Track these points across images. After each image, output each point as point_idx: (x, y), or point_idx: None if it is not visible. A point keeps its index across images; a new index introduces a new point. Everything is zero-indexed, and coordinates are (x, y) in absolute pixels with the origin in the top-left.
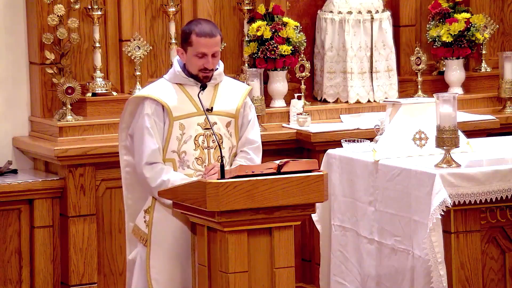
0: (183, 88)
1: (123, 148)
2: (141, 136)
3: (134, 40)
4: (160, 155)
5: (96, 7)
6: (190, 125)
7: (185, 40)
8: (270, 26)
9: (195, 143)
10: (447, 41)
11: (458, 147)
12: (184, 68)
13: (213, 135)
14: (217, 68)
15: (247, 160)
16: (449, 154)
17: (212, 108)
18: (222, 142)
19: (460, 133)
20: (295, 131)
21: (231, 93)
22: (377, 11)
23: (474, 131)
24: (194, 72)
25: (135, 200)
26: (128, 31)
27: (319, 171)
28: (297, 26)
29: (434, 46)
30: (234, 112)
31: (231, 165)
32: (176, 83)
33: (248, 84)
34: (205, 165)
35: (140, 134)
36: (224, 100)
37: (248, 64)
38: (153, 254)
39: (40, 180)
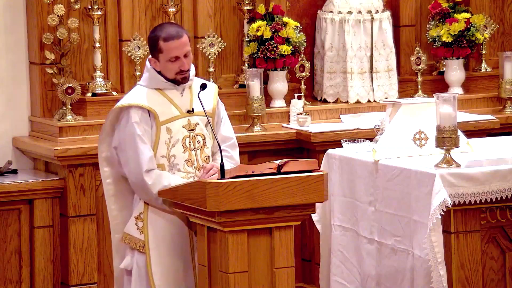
0: (162, 93)
1: (104, 159)
2: (135, 145)
3: (134, 40)
4: (155, 161)
5: (96, 7)
6: (176, 128)
7: (154, 48)
8: (270, 26)
9: (183, 146)
10: (447, 41)
11: (458, 147)
12: (160, 73)
13: (202, 135)
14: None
15: (226, 158)
16: (449, 154)
17: (193, 109)
18: (205, 142)
19: (460, 133)
20: (295, 131)
21: (204, 92)
22: (377, 11)
23: (474, 131)
24: (171, 77)
25: (120, 210)
26: (128, 31)
27: (319, 171)
28: (297, 26)
29: (434, 46)
30: (211, 111)
31: None
32: (155, 88)
33: (247, 84)
34: (194, 167)
35: (132, 142)
36: (201, 101)
37: (248, 64)
38: (154, 259)
39: (40, 180)
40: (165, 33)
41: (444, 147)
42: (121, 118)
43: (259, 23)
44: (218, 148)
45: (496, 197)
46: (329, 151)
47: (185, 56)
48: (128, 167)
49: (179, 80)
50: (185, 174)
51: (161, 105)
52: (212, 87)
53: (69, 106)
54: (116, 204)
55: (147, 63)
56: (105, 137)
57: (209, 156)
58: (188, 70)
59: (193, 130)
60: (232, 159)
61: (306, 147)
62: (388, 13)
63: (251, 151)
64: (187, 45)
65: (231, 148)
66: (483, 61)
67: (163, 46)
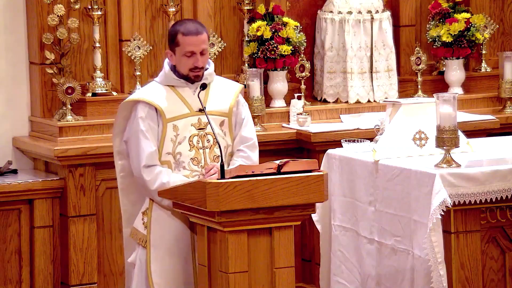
0: (175, 90)
1: (118, 153)
2: (137, 140)
3: (134, 40)
4: (157, 158)
5: (96, 7)
6: (183, 126)
7: (172, 41)
8: (270, 26)
9: (189, 144)
10: (447, 41)
11: (458, 147)
12: (175, 69)
13: (212, 134)
14: (207, 68)
15: (243, 158)
16: (449, 154)
17: (205, 108)
18: (216, 142)
19: (460, 133)
20: (295, 131)
21: (223, 92)
22: (377, 11)
23: (474, 131)
24: (185, 72)
25: (131, 204)
26: (128, 31)
27: (319, 171)
28: (297, 26)
29: (434, 46)
30: (227, 111)
31: (228, 165)
32: (168, 85)
33: (247, 84)
34: (201, 165)
35: (135, 138)
36: (216, 100)
37: (248, 64)
38: (154, 257)
39: (40, 180)
40: (185, 28)
41: (444, 147)
42: (131, 113)
43: (259, 23)
44: (236, 149)
45: (496, 197)
46: (329, 151)
47: (202, 53)
48: (132, 162)
49: (192, 77)
50: (189, 173)
51: (171, 102)
52: (234, 87)
53: (69, 106)
54: (128, 198)
55: (166, 60)
56: (118, 132)
57: (218, 156)
58: (202, 68)
59: (203, 129)
60: (249, 159)
61: (306, 147)
62: (388, 13)
63: None
64: (204, 43)
65: (250, 149)
66: (483, 61)
67: (181, 40)
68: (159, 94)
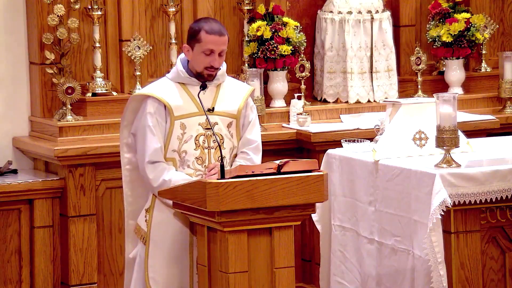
0: (185, 88)
1: (125, 145)
2: (144, 135)
3: (134, 40)
4: (162, 154)
5: (96, 7)
6: (191, 125)
7: (193, 37)
8: (270, 26)
9: (195, 143)
10: (447, 41)
11: (458, 147)
12: (187, 67)
13: (214, 136)
14: (220, 68)
15: (246, 160)
16: (449, 154)
17: (213, 108)
18: (223, 143)
19: (460, 133)
20: (295, 131)
21: (233, 93)
22: (377, 11)
23: (474, 131)
24: (199, 70)
25: (135, 197)
26: (128, 31)
27: (319, 171)
28: (297, 26)
29: (434, 46)
30: (236, 113)
31: (231, 166)
32: (179, 83)
33: (248, 84)
34: (205, 165)
35: (142, 133)
36: (226, 101)
37: (248, 64)
38: (152, 253)
39: (40, 180)
40: (209, 26)
41: (444, 147)
42: (140, 106)
43: (259, 23)
44: (240, 151)
45: (496, 197)
46: (329, 151)
47: (220, 54)
48: (137, 156)
49: (205, 75)
50: (193, 172)
51: (180, 100)
52: (245, 89)
53: (69, 106)
54: (132, 191)
55: (179, 57)
56: (126, 124)
57: (224, 156)
58: (217, 68)
59: (210, 129)
60: (251, 161)
61: (306, 147)
62: (388, 13)
63: None
64: (225, 44)
65: (253, 152)
66: (483, 61)
67: (203, 37)
68: (170, 91)
